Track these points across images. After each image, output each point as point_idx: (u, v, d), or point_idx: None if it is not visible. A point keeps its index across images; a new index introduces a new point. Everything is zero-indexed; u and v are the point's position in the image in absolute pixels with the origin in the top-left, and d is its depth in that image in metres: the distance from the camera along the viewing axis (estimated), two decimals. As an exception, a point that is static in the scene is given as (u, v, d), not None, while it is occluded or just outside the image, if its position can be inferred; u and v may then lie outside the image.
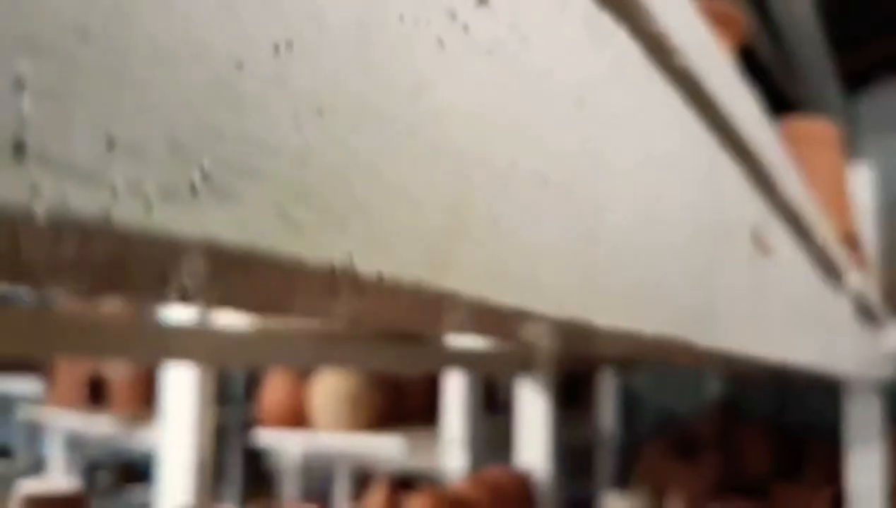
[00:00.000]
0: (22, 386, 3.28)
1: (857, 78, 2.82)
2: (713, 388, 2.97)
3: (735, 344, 0.33)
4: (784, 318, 0.44)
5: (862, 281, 0.93)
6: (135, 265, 0.11)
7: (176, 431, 1.41)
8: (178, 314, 1.28)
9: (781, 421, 2.58)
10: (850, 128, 2.86)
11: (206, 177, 0.11)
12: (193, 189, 0.11)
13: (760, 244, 0.37)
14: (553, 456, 1.90)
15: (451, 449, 1.92)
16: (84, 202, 0.09)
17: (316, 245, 0.12)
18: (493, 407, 2.65)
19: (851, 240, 1.03)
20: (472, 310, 0.17)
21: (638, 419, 3.19)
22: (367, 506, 1.30)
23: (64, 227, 0.09)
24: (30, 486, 0.93)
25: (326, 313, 0.14)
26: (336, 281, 0.13)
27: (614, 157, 0.21)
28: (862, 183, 1.54)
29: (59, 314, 0.96)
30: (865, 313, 1.11)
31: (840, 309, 0.78)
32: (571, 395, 2.91)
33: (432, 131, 0.14)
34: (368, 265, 0.13)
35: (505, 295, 0.17)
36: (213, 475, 1.50)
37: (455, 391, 1.94)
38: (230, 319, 1.27)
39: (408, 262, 0.14)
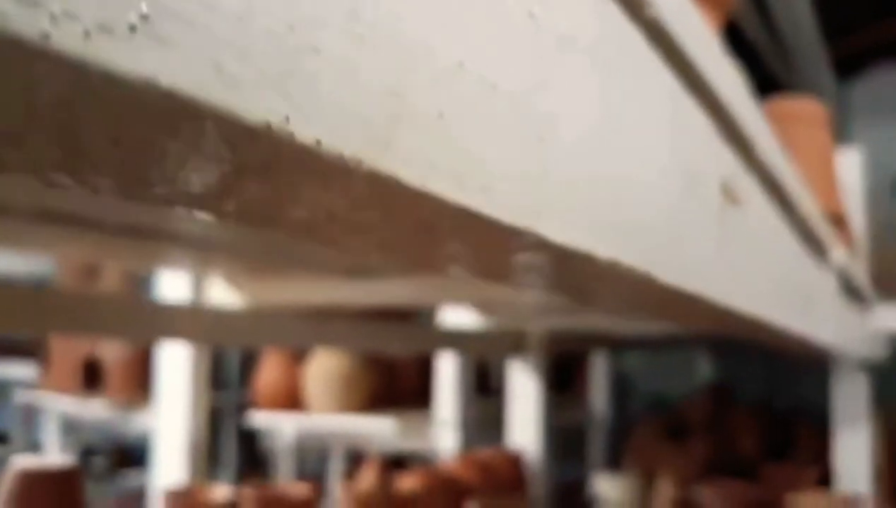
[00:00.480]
0: (18, 370, 3.29)
1: (849, 63, 2.83)
2: (704, 372, 2.99)
3: (701, 288, 0.33)
4: (758, 274, 0.45)
5: (847, 258, 0.94)
6: (79, 105, 0.12)
7: (170, 413, 1.41)
8: (172, 293, 1.29)
9: (772, 404, 2.60)
10: (842, 114, 2.87)
11: (144, 18, 0.11)
12: (132, 28, 0.11)
13: (730, 195, 0.38)
14: (544, 437, 1.91)
15: (444, 430, 1.93)
16: (24, 22, 0.10)
17: (253, 102, 0.13)
18: (485, 390, 2.66)
19: (838, 220, 1.04)
20: (414, 201, 0.18)
21: (629, 402, 3.21)
22: (358, 484, 1.31)
23: (4, 46, 0.10)
24: (23, 461, 0.94)
25: (263, 178, 0.15)
26: (273, 141, 0.13)
27: (569, 80, 0.22)
28: (851, 165, 1.55)
29: (53, 292, 0.97)
30: (852, 292, 1.12)
31: (824, 282, 0.79)
32: (564, 378, 2.92)
33: (381, 14, 0.15)
34: (306, 129, 0.14)
35: (448, 190, 0.17)
36: (207, 457, 1.50)
37: (447, 373, 1.95)
38: (224, 298, 1.28)
39: (347, 136, 0.15)
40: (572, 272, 0.27)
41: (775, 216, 0.52)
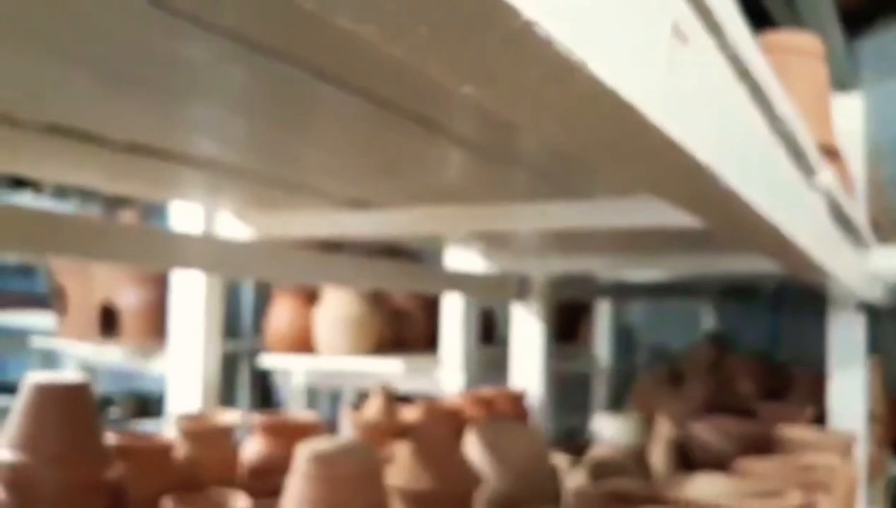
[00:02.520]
0: (36, 319, 3.32)
1: (857, 19, 2.79)
2: (707, 325, 2.99)
3: (649, 114, 0.32)
4: (711, 123, 0.43)
5: (836, 185, 0.93)
6: None
7: (183, 354, 1.42)
8: (184, 224, 1.30)
9: (773, 356, 2.60)
10: (851, 71, 2.84)
11: None
12: None
13: (680, 35, 0.36)
14: (546, 380, 1.93)
15: (449, 373, 1.95)
16: None
17: None
18: (490, 340, 2.68)
19: (831, 152, 1.04)
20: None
21: (633, 354, 3.23)
22: (364, 414, 1.33)
23: None
24: (36, 377, 0.95)
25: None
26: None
27: None
28: (853, 111, 1.53)
29: (66, 217, 0.97)
30: (850, 230, 1.12)
31: (812, 199, 0.78)
32: (569, 329, 2.94)
33: None
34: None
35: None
36: (223, 401, 1.52)
37: (453, 318, 1.96)
38: (232, 232, 1.28)
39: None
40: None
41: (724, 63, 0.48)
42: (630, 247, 1.50)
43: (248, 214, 1.28)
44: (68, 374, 1.01)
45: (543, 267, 1.82)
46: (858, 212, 1.28)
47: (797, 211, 0.65)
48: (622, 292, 2.69)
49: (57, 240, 0.97)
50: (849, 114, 1.48)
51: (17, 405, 0.92)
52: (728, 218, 0.51)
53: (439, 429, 1.11)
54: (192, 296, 1.42)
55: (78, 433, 0.92)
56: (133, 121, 0.75)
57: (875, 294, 1.48)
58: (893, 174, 2.57)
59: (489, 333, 2.74)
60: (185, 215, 1.31)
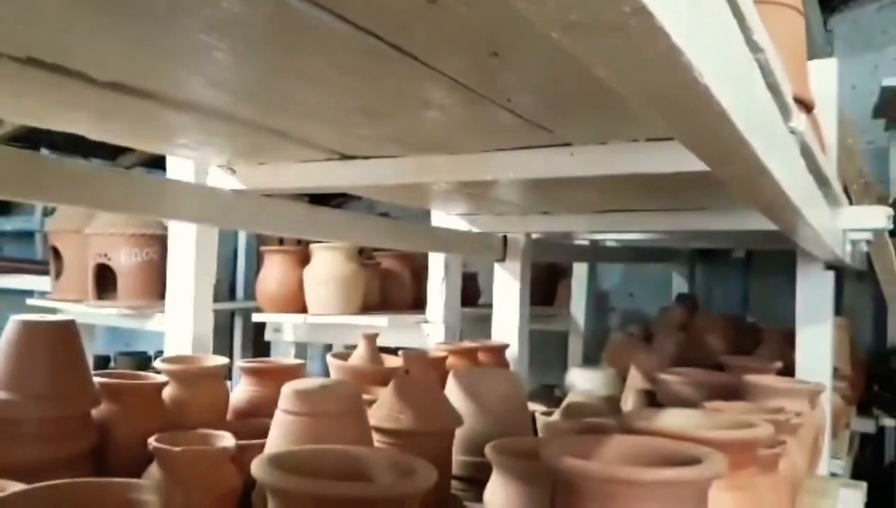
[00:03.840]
0: (33, 282, 3.27)
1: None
2: (680, 289, 2.99)
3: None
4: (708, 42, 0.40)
5: (809, 133, 0.91)
6: None
7: (177, 311, 1.39)
8: (176, 173, 1.26)
9: (744, 319, 2.61)
10: (826, 46, 2.82)
11: None
12: None
13: None
14: (525, 337, 1.92)
15: (434, 329, 1.94)
16: None
17: None
18: (475, 304, 2.67)
19: (805, 105, 1.01)
20: None
21: (607, 316, 3.23)
22: (351, 359, 1.31)
23: None
24: (21, 316, 0.92)
25: None
26: None
27: None
28: (827, 75, 1.51)
29: (59, 162, 0.93)
30: (820, 181, 1.10)
31: (788, 141, 0.76)
32: (548, 293, 2.93)
33: None
34: None
35: None
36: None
37: (439, 279, 1.95)
38: (223, 185, 1.25)
39: None
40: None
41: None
42: (609, 202, 1.48)
43: (237, 167, 1.24)
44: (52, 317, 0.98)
45: (523, 229, 1.79)
46: (831, 170, 1.26)
47: (775, 148, 0.63)
48: (598, 255, 2.68)
49: (46, 183, 0.93)
50: (824, 80, 1.46)
51: (3, 343, 0.89)
52: (713, 141, 0.49)
53: (421, 372, 1.09)
54: (185, 250, 1.39)
55: (64, 370, 0.89)
56: (117, 55, 0.71)
57: (844, 254, 1.47)
58: (865, 145, 2.56)
59: (474, 298, 2.73)
60: (178, 171, 1.28)
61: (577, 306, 2.80)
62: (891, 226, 1.36)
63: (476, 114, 0.82)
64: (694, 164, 0.87)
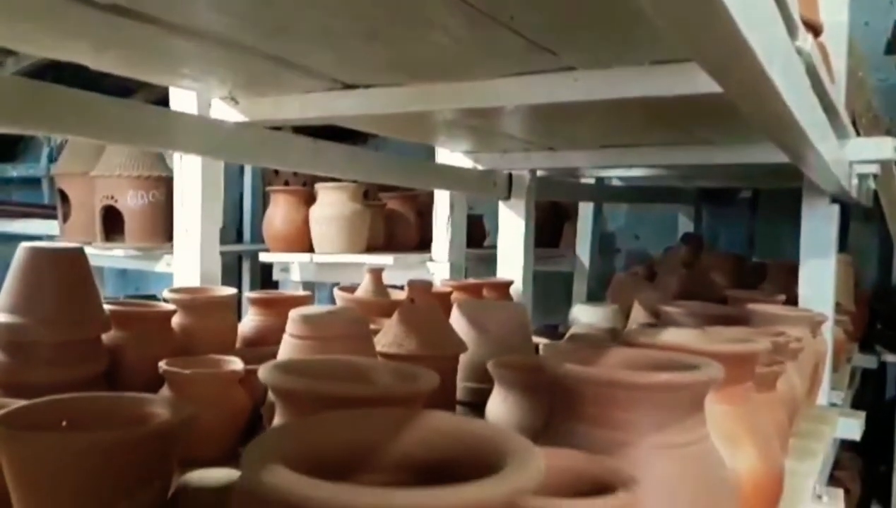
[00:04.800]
0: (41, 228, 3.29)
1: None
2: (687, 230, 2.99)
3: None
4: None
5: (816, 55, 0.90)
6: None
7: (185, 252, 1.40)
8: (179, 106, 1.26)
9: (749, 259, 2.61)
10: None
11: None
12: None
13: None
14: (529, 276, 1.93)
15: (439, 268, 1.95)
16: None
17: None
18: (481, 246, 2.68)
19: (813, 27, 0.99)
20: None
21: (612, 257, 3.24)
22: (357, 292, 1.32)
23: None
24: (31, 243, 0.93)
25: None
26: None
27: None
28: (838, 5, 1.47)
29: (64, 91, 0.93)
30: (825, 104, 1.09)
31: (794, 59, 0.75)
32: (554, 235, 2.94)
33: None
34: None
35: None
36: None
37: (443, 219, 1.95)
38: (228, 115, 1.25)
39: None
40: None
41: None
42: (614, 135, 1.47)
43: (239, 98, 1.24)
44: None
45: (528, 166, 1.79)
46: (839, 99, 1.25)
47: (779, 62, 0.63)
48: (604, 195, 2.68)
49: (51, 113, 0.93)
50: (834, 6, 1.43)
51: (13, 270, 0.90)
52: (714, 40, 0.49)
53: (426, 301, 1.10)
54: (191, 188, 1.40)
55: (73, 295, 0.91)
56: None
57: (850, 187, 1.46)
58: (877, 82, 2.53)
59: (479, 239, 2.74)
60: (182, 103, 1.28)
61: (583, 247, 2.81)
62: (898, 157, 1.35)
63: (479, 35, 0.81)
64: (698, 86, 0.87)
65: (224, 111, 1.25)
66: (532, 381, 0.72)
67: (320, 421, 0.40)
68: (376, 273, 1.34)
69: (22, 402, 0.65)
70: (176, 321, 1.08)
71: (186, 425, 0.65)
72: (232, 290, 1.17)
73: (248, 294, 1.22)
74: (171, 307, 1.08)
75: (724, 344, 0.70)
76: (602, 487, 0.48)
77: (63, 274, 0.91)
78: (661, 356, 0.63)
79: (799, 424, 1.15)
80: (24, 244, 0.92)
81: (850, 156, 1.35)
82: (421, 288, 1.10)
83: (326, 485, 0.29)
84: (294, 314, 0.92)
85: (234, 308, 1.17)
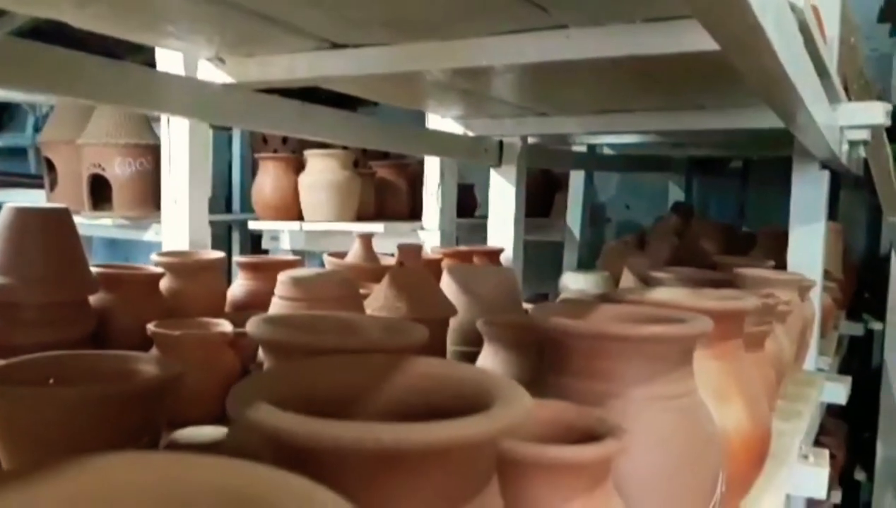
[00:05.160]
0: (28, 197, 3.25)
1: None
2: (677, 200, 2.99)
3: None
4: None
5: (809, 13, 0.89)
6: None
7: (173, 219, 1.39)
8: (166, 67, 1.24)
9: (739, 229, 2.62)
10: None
11: None
12: None
13: None
14: (520, 243, 1.93)
15: (429, 236, 1.94)
16: None
17: None
18: (470, 213, 2.67)
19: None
20: None
21: (603, 228, 3.24)
22: (347, 257, 1.32)
23: None
24: (16, 204, 0.92)
25: None
26: None
27: None
28: (832, -32, 1.46)
29: (51, 49, 0.91)
30: (818, 64, 1.08)
31: (788, 16, 0.75)
32: (545, 205, 2.93)
33: None
34: None
35: None
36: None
37: (433, 187, 1.94)
38: (215, 76, 1.23)
39: None
40: None
41: None
42: (605, 99, 1.46)
43: (226, 59, 1.22)
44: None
45: (520, 132, 1.78)
46: (831, 62, 1.24)
47: (772, 14, 0.62)
48: (595, 163, 2.67)
49: (36, 71, 0.92)
50: (827, -30, 1.42)
51: (-1, 229, 0.89)
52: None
53: (416, 265, 1.10)
54: (179, 154, 1.38)
55: (59, 255, 0.90)
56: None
57: (841, 154, 1.46)
58: (868, 52, 2.52)
59: (470, 209, 2.73)
60: (168, 64, 1.26)
61: (573, 217, 2.81)
62: (888, 123, 1.34)
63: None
64: (690, 44, 0.86)
65: (211, 73, 1.23)
66: (521, 338, 0.72)
67: (308, 366, 0.40)
68: (366, 239, 1.33)
69: (8, 360, 0.65)
70: (164, 284, 1.08)
71: (174, 382, 0.65)
72: (220, 254, 1.17)
73: (237, 258, 1.21)
74: (159, 270, 1.07)
75: (713, 300, 0.70)
76: (591, 438, 0.48)
77: (49, 235, 0.90)
78: (649, 311, 0.63)
79: (786, 387, 1.16)
80: (10, 204, 0.91)
81: (841, 121, 1.35)
82: (411, 251, 1.09)
83: (313, 421, 0.29)
84: (283, 275, 0.91)
85: (223, 272, 1.17)
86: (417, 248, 1.12)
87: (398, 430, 0.28)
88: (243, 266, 1.20)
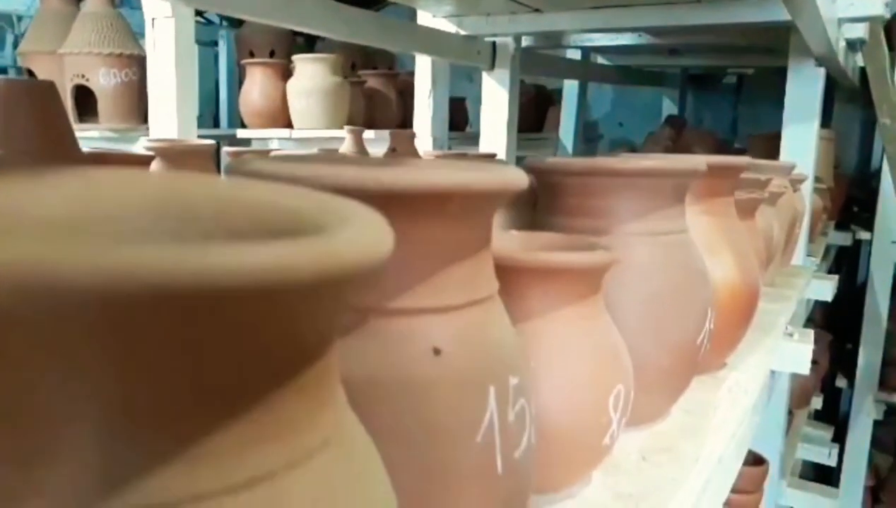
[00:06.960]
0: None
1: None
2: (669, 111, 2.98)
3: None
4: None
5: None
6: None
7: (162, 125, 1.36)
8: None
9: (732, 143, 2.61)
10: None
11: None
12: None
13: None
14: (513, 149, 1.92)
15: (422, 144, 1.93)
16: None
17: None
18: (462, 128, 2.65)
19: None
20: None
21: (596, 144, 3.23)
22: (339, 150, 1.31)
23: None
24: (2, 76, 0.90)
25: None
26: None
27: None
28: None
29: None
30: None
31: None
32: (537, 120, 2.91)
33: None
34: None
35: None
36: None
37: (425, 94, 1.91)
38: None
39: None
40: None
41: None
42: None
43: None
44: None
45: (513, 30, 1.74)
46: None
47: None
48: (589, 74, 2.64)
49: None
50: None
51: (-16, 103, 0.88)
52: None
53: (408, 150, 1.09)
54: (164, 62, 1.35)
55: (47, 128, 0.89)
56: None
57: (838, 49, 1.44)
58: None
59: (462, 123, 2.71)
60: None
61: (566, 131, 2.79)
62: (888, 15, 1.33)
63: None
64: None
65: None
66: (517, 198, 0.72)
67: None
68: (357, 132, 1.32)
69: None
70: (154, 169, 1.07)
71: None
72: (211, 141, 1.16)
73: (227, 148, 1.20)
74: (149, 154, 1.06)
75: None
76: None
77: (35, 108, 0.89)
78: (646, 163, 0.63)
79: (773, 278, 1.18)
80: (-5, 77, 0.89)
81: (839, 13, 1.33)
82: (404, 136, 1.09)
83: (314, 164, 0.29)
84: (275, 154, 0.91)
85: (213, 159, 1.16)
86: (411, 134, 1.12)
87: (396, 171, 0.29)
88: (234, 156, 1.19)
